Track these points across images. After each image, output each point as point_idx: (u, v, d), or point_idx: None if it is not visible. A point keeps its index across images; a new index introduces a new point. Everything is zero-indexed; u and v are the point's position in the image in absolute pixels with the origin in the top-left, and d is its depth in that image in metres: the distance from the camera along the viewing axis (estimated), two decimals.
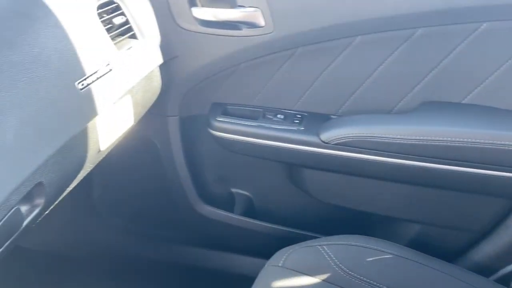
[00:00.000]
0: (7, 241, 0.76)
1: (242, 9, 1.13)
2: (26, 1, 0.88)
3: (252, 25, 1.14)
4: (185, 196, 1.43)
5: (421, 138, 1.04)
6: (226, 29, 1.16)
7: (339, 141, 1.13)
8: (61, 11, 0.90)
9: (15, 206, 0.75)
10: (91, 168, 1.06)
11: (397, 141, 1.06)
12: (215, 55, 1.20)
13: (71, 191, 1.00)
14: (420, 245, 1.12)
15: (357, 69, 1.14)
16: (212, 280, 1.54)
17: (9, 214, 0.73)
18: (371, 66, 1.12)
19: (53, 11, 0.89)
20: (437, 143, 1.03)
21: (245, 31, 1.15)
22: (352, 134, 1.11)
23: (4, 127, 0.70)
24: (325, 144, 1.15)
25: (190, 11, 1.16)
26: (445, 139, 1.02)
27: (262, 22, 1.12)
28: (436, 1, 1.01)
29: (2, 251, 0.77)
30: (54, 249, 1.64)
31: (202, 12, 1.16)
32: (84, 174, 1.03)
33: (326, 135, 1.14)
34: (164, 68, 1.21)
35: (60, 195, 0.93)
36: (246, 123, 1.23)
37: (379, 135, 1.08)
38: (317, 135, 1.16)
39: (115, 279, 1.59)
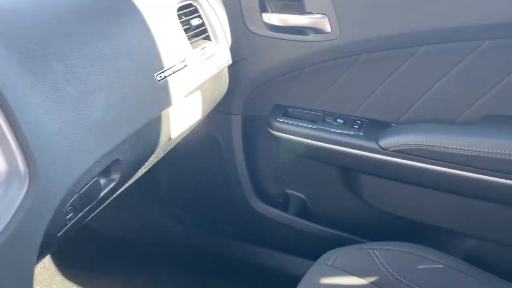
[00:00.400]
0: (85, 208, 0.86)
1: (309, 16, 1.18)
2: (120, 1, 0.99)
3: (318, 31, 1.19)
4: (242, 192, 1.49)
5: (482, 150, 1.03)
6: (293, 34, 1.22)
7: (397, 148, 1.14)
8: (146, 11, 1.01)
9: (95, 177, 0.84)
10: (161, 155, 1.16)
11: (457, 152, 1.06)
12: (281, 58, 1.27)
13: (139, 179, 1.10)
14: (475, 260, 1.10)
15: (420, 79, 1.15)
16: (258, 276, 1.59)
17: (90, 183, 0.83)
18: (435, 76, 1.12)
19: (140, 10, 1.00)
20: (498, 156, 1.01)
21: (311, 37, 1.20)
22: (412, 142, 1.12)
23: (93, 106, 0.80)
24: (383, 151, 1.16)
25: (261, 17, 1.23)
26: (506, 152, 1.00)
27: (328, 28, 1.17)
28: (505, 13, 1.00)
29: (78, 219, 0.87)
30: (118, 231, 1.77)
31: (272, 18, 1.23)
32: (155, 160, 1.12)
33: (385, 142, 1.16)
34: (232, 68, 1.29)
35: (133, 175, 1.03)
36: (306, 125, 1.28)
37: (439, 145, 1.08)
38: (376, 141, 1.18)
39: (169, 266, 1.68)
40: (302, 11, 1.19)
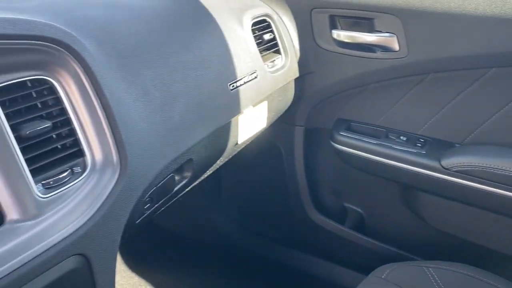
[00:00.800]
0: (160, 200, 0.95)
1: (379, 34, 1.22)
2: (201, 16, 1.08)
3: (386, 49, 1.22)
4: (300, 202, 1.54)
5: None
6: (361, 51, 1.26)
7: (460, 168, 1.14)
8: (224, 25, 1.10)
9: (171, 173, 0.93)
10: (227, 159, 1.24)
11: None
12: (348, 74, 1.31)
13: (202, 181, 1.18)
14: None
15: (487, 101, 1.14)
16: (309, 285, 1.62)
17: (167, 178, 0.92)
18: (504, 99, 1.12)
19: (219, 24, 1.09)
20: None
21: (379, 54, 1.24)
22: (476, 163, 1.11)
23: (175, 110, 0.89)
24: (446, 170, 1.17)
25: (330, 33, 1.28)
26: None
27: (396, 46, 1.19)
28: None
29: (152, 210, 0.96)
30: (179, 229, 1.87)
31: (341, 34, 1.28)
32: (221, 163, 1.20)
33: (448, 161, 1.16)
34: (298, 81, 1.35)
35: (202, 174, 1.11)
36: (368, 140, 1.30)
37: (504, 168, 1.07)
38: (438, 160, 1.18)
39: (222, 267, 1.74)
40: (371, 29, 1.23)
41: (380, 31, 1.22)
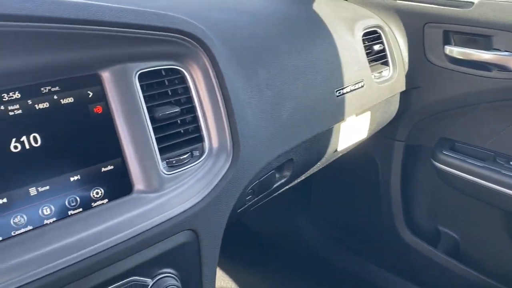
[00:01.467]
0: (260, 194, 0.99)
1: (496, 52, 1.16)
2: (314, 22, 1.12)
3: (503, 68, 1.16)
4: (392, 219, 1.50)
5: None
6: (475, 68, 1.21)
7: None
8: (336, 33, 1.12)
9: (273, 170, 0.97)
10: (324, 165, 1.25)
11: None
12: (457, 91, 1.26)
13: (294, 186, 1.20)
14: None
15: None
16: None
17: (269, 174, 0.96)
18: None
19: (331, 32, 1.12)
20: None
21: (494, 73, 1.18)
22: None
23: (284, 110, 0.94)
24: None
25: (443, 48, 1.25)
26: None
27: None
28: None
29: (251, 203, 1.01)
30: (267, 231, 1.91)
31: (454, 51, 1.24)
32: (318, 168, 1.22)
33: None
34: (404, 95, 1.33)
35: (300, 176, 1.14)
36: (474, 162, 1.24)
37: None
38: None
39: (304, 274, 1.74)
40: (488, 47, 1.18)
41: (498, 50, 1.16)
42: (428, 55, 1.28)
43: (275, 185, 1.02)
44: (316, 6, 1.19)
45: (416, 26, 1.28)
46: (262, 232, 1.90)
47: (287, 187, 1.13)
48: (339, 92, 1.08)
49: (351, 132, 1.20)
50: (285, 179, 1.05)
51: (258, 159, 0.86)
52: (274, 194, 1.11)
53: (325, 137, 1.10)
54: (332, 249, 1.74)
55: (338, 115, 1.10)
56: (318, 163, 1.16)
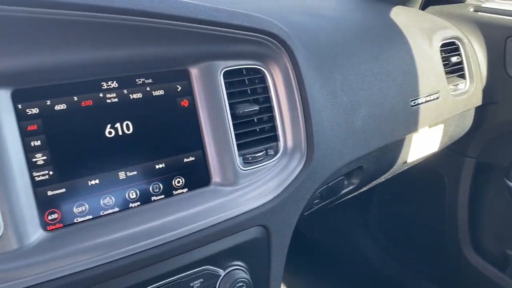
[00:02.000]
0: (327, 199, 0.99)
1: None
2: (392, 31, 1.11)
3: None
4: (457, 238, 1.44)
5: None
6: None
7: None
8: (414, 42, 1.10)
9: (342, 176, 0.97)
10: (390, 176, 1.23)
11: None
12: None
13: (351, 198, 1.18)
14: None
15: None
16: None
17: (338, 179, 0.96)
18: None
19: (409, 40, 1.10)
20: None
21: None
22: None
23: (358, 116, 0.93)
24: None
25: None
26: None
27: None
28: None
29: (317, 208, 1.01)
30: (322, 241, 1.89)
31: None
32: (385, 178, 1.20)
33: None
34: (480, 110, 1.28)
35: (367, 184, 1.13)
36: None
37: None
38: None
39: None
40: None
41: None
42: (509, 70, 1.23)
43: (342, 192, 1.02)
44: (394, 15, 1.18)
45: (497, 39, 1.23)
46: (318, 241, 1.89)
47: (353, 194, 1.12)
48: (414, 102, 1.06)
49: (423, 144, 1.17)
50: (352, 186, 1.04)
51: (330, 163, 0.86)
52: (340, 200, 1.10)
53: (396, 147, 1.08)
54: (389, 264, 1.69)
55: (411, 125, 1.07)
56: (386, 173, 1.15)
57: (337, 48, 0.96)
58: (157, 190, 0.70)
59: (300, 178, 0.79)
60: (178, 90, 0.72)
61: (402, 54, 1.07)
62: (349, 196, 1.11)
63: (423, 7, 1.40)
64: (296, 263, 1.86)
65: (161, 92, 0.71)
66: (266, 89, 0.80)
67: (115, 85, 0.67)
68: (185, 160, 0.73)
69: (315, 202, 0.94)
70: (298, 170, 0.79)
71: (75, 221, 0.63)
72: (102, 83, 0.66)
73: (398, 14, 1.20)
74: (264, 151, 0.79)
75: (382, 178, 1.18)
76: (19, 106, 0.60)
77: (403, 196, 1.62)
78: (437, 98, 1.12)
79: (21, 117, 0.60)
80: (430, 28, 1.20)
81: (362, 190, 1.19)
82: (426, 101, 1.09)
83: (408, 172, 1.34)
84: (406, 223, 1.63)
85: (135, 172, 0.68)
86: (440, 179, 1.46)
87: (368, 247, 1.74)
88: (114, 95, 0.67)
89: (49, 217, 0.62)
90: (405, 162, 1.16)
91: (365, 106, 0.96)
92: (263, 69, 0.79)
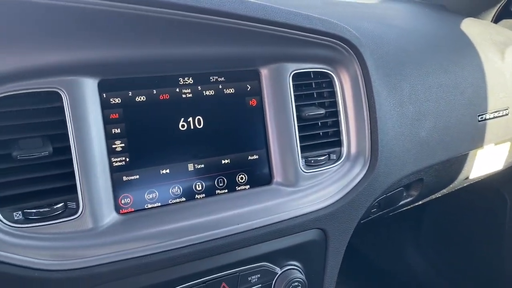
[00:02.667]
0: (384, 209, 0.98)
1: None
2: (462, 43, 1.08)
3: None
4: None
5: None
6: None
7: None
8: (484, 55, 1.07)
9: (401, 187, 0.96)
10: (450, 191, 1.19)
11: None
12: None
13: (403, 212, 1.15)
14: None
15: None
16: None
17: (397, 190, 0.94)
18: None
19: (479, 53, 1.07)
20: None
21: None
22: None
23: (423, 127, 0.92)
24: None
25: None
26: None
27: None
28: None
29: (374, 217, 1.00)
30: (369, 252, 1.86)
31: None
32: (443, 193, 1.17)
33: None
34: None
35: (425, 198, 1.10)
36: None
37: None
38: None
39: None
40: None
41: None
42: None
43: (400, 203, 1.00)
44: (465, 27, 1.15)
45: None
46: (368, 255, 1.85)
47: (409, 206, 1.10)
48: (481, 117, 1.03)
49: (487, 161, 1.13)
50: (411, 198, 1.02)
51: (392, 172, 0.85)
52: (397, 212, 1.09)
53: (459, 162, 1.05)
54: (439, 283, 1.64)
55: (477, 141, 1.04)
56: (446, 188, 1.11)
57: (405, 57, 0.95)
58: (222, 184, 0.72)
59: (361, 185, 0.79)
60: (248, 89, 0.74)
61: (472, 67, 1.04)
62: (405, 208, 1.09)
63: (496, 20, 1.35)
64: (341, 272, 1.83)
65: (232, 90, 0.73)
66: (333, 94, 0.81)
67: (190, 81, 0.70)
68: (250, 157, 0.75)
69: (372, 210, 0.93)
70: (360, 176, 0.79)
71: (145, 206, 0.67)
72: (180, 79, 0.69)
73: (469, 26, 1.17)
74: (327, 155, 0.80)
75: (441, 193, 1.15)
76: (104, 95, 0.64)
77: (459, 214, 1.56)
78: (506, 114, 1.08)
79: (105, 106, 0.64)
80: (503, 42, 1.15)
81: (418, 204, 1.17)
82: (495, 117, 1.05)
83: (468, 188, 1.29)
84: (462, 244, 1.57)
85: (202, 165, 0.71)
86: (502, 200, 1.40)
87: (418, 263, 1.69)
88: (189, 90, 0.70)
89: (123, 201, 0.66)
90: (467, 178, 1.12)
91: (431, 117, 0.94)
92: (332, 73, 0.80)
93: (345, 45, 0.77)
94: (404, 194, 1.00)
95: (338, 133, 0.81)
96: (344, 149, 0.81)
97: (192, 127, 0.70)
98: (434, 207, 1.60)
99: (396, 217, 1.25)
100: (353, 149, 0.81)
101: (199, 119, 0.70)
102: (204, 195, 0.71)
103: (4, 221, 0.57)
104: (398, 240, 1.74)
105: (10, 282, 0.55)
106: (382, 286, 1.75)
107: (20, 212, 0.58)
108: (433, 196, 1.17)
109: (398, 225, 1.69)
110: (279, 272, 0.72)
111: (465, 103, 1.00)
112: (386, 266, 1.79)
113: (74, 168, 0.60)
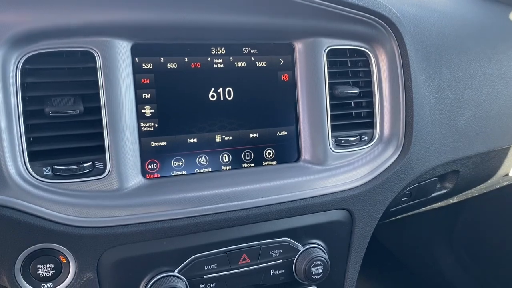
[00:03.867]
0: (415, 199, 0.94)
1: None
2: (505, 30, 1.03)
3: None
4: None
5: None
6: None
7: None
8: None
9: (435, 177, 0.92)
10: (488, 189, 1.14)
11: None
12: None
13: (436, 211, 1.10)
14: None
15: None
16: None
17: (430, 180, 0.91)
18: None
19: None
20: None
21: None
22: None
23: (461, 115, 0.88)
24: None
25: None
26: None
27: None
28: None
29: (403, 207, 0.96)
30: (397, 251, 1.81)
31: None
32: (481, 190, 1.12)
33: None
34: None
35: (462, 191, 1.06)
36: None
37: None
38: None
39: None
40: None
41: None
42: None
43: (433, 194, 0.96)
44: None
45: None
46: (395, 252, 1.80)
47: (443, 201, 1.05)
48: None
49: None
50: (445, 190, 0.98)
51: (425, 159, 0.82)
52: (428, 205, 1.05)
53: (499, 155, 1.00)
54: (470, 285, 1.57)
55: None
56: (484, 184, 1.06)
57: (447, 42, 0.91)
58: (248, 158, 0.72)
59: (392, 168, 0.76)
60: (281, 63, 0.73)
61: None
62: (439, 203, 1.05)
63: None
64: (368, 269, 1.79)
65: (264, 63, 0.72)
66: (368, 73, 0.78)
67: (223, 51, 0.69)
68: (278, 133, 0.73)
69: (403, 199, 0.90)
70: (392, 160, 0.76)
71: (171, 173, 0.67)
72: (212, 48, 0.69)
73: None
74: (358, 136, 0.78)
75: (477, 190, 1.10)
76: (136, 59, 0.65)
77: (496, 216, 1.49)
78: None
79: (137, 70, 0.65)
80: None
81: (453, 201, 1.12)
82: None
83: (507, 190, 1.23)
84: (497, 245, 1.50)
85: (230, 138, 0.70)
86: None
87: (449, 264, 1.63)
88: (221, 60, 0.69)
89: (149, 166, 0.66)
90: (507, 175, 1.07)
91: (471, 106, 0.90)
92: (368, 52, 0.77)
93: (383, 23, 0.74)
94: (438, 186, 0.96)
95: (371, 114, 0.79)
96: (377, 131, 0.78)
97: (222, 98, 0.69)
98: (469, 207, 1.53)
99: (428, 216, 1.20)
100: (386, 131, 0.78)
101: (229, 91, 0.70)
102: (230, 167, 0.70)
103: (34, 175, 0.58)
104: (429, 240, 1.68)
105: (35, 233, 0.57)
106: (409, 285, 1.70)
107: (49, 167, 0.60)
108: (469, 193, 1.12)
109: (430, 224, 1.63)
110: (302, 249, 0.70)
111: (509, 94, 0.96)
112: (415, 266, 1.73)
113: (103, 129, 0.61)
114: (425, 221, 1.57)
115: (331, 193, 0.72)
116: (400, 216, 1.10)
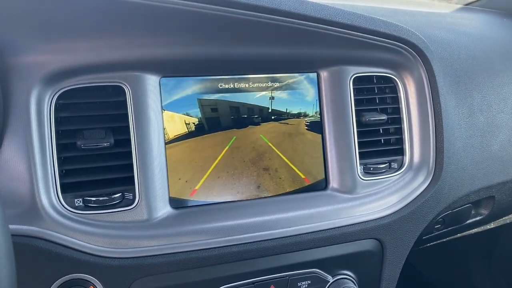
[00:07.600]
0: (449, 227, 0.91)
1: None
2: None
3: None
4: None
5: None
6: None
7: None
8: None
9: (469, 204, 0.89)
10: None
11: None
12: None
13: (473, 236, 1.05)
14: None
15: None
16: None
17: (464, 206, 0.88)
18: None
19: None
20: None
21: None
22: None
23: (495, 140, 0.85)
24: None
25: None
26: None
27: None
28: None
29: (437, 235, 0.93)
30: (436, 280, 1.74)
31: None
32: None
33: None
34: None
35: (498, 218, 1.02)
36: None
37: None
38: None
39: None
40: None
41: None
42: None
43: (468, 221, 0.93)
44: None
45: None
46: (432, 280, 1.73)
47: (479, 228, 1.01)
48: None
49: None
50: (480, 217, 0.94)
51: (458, 186, 0.80)
52: (464, 232, 1.01)
53: None
54: None
55: None
56: None
57: (477, 65, 0.89)
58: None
59: (423, 196, 0.74)
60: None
61: None
62: (474, 230, 1.01)
63: None
64: None
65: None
66: (396, 99, 0.77)
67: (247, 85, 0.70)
68: (306, 161, 0.73)
69: (436, 227, 0.87)
70: (422, 187, 0.75)
71: (199, 203, 0.67)
72: (236, 82, 0.70)
73: None
74: (388, 163, 0.76)
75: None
76: None
77: None
78: None
79: None
80: None
81: (490, 227, 1.08)
82: None
83: None
84: None
85: None
86: None
87: None
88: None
89: None
90: None
91: (505, 130, 0.87)
92: (395, 78, 0.77)
93: (410, 49, 0.73)
94: (473, 212, 0.93)
95: (400, 141, 0.77)
96: (407, 158, 0.77)
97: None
98: (508, 232, 1.47)
99: (465, 242, 1.16)
100: (416, 158, 0.76)
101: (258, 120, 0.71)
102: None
103: (66, 206, 0.60)
104: (466, 267, 1.61)
105: (67, 264, 0.58)
106: None
107: (81, 199, 0.61)
108: (507, 219, 1.08)
109: (467, 251, 1.57)
110: (331, 281, 0.69)
111: None
112: None
113: (133, 160, 0.62)
114: (461, 246, 1.51)
115: (361, 223, 0.71)
116: (435, 242, 1.06)
